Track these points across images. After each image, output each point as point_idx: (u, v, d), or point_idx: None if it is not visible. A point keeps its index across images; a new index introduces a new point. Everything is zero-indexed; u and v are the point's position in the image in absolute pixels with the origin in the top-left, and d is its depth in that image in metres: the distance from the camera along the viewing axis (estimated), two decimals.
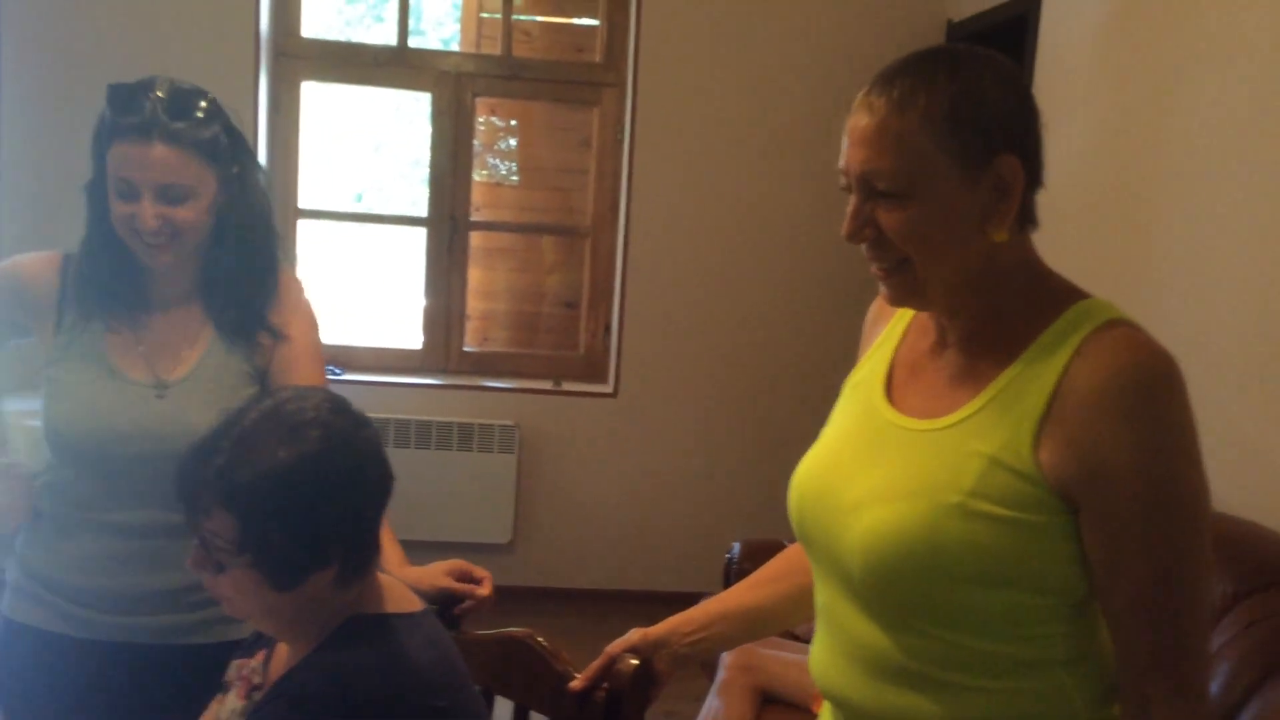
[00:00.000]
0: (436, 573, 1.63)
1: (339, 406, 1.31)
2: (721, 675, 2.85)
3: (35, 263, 1.72)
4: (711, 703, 2.93)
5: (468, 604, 1.64)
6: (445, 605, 1.64)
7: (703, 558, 4.32)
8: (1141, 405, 1.12)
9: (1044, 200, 1.23)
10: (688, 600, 3.70)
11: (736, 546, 3.66)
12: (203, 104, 1.62)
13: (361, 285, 4.79)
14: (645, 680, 1.44)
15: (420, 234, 4.61)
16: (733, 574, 3.60)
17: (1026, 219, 1.22)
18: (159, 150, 1.57)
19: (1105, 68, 3.33)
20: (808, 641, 1.48)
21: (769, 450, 4.72)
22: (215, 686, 1.39)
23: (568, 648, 4.37)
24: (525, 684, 1.53)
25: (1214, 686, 2.05)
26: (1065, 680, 1.19)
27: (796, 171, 4.53)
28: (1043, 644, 1.19)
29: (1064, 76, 3.51)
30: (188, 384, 1.67)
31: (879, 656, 1.23)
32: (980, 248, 1.19)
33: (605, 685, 1.44)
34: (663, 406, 4.64)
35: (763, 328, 4.68)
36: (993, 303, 1.23)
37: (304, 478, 1.23)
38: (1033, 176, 1.19)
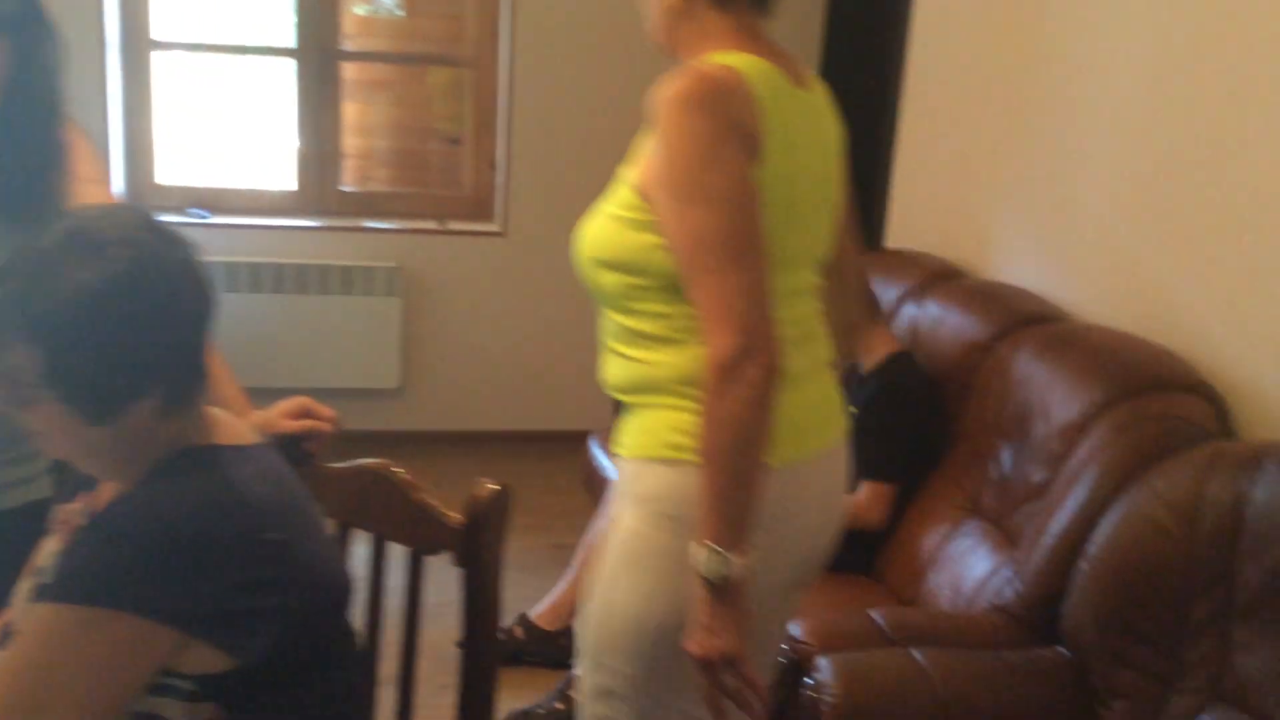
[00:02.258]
0: (274, 415, 1.54)
1: (149, 223, 1.19)
2: (585, 556, 2.86)
3: None
4: (600, 527, 2.94)
5: (311, 442, 1.56)
6: (293, 444, 1.56)
7: (595, 396, 4.29)
8: (666, 117, 1.42)
9: None
10: (579, 439, 3.71)
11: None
12: None
13: (230, 123, 4.52)
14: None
15: (290, 66, 4.35)
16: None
17: None
18: None
19: None
20: None
21: None
22: (21, 554, 1.31)
23: (459, 486, 4.29)
24: (383, 515, 1.47)
25: (1082, 491, 2.10)
26: (670, 356, 1.50)
27: None
28: (652, 320, 1.50)
29: None
30: None
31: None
32: None
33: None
34: (552, 244, 4.52)
35: None
36: None
37: (111, 301, 1.12)
38: None
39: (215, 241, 4.24)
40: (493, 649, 1.39)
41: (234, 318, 4.24)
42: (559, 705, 2.71)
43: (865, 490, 2.68)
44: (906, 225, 3.73)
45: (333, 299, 4.30)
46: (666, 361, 1.50)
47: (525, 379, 4.64)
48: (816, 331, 1.64)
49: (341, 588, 1.29)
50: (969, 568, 2.41)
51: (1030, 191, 2.99)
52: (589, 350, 4.76)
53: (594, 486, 3.32)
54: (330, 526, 1.52)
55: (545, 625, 2.97)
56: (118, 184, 4.23)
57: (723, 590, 1.40)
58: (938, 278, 3.13)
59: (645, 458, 1.55)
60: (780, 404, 1.41)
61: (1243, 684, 1.76)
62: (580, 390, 4.58)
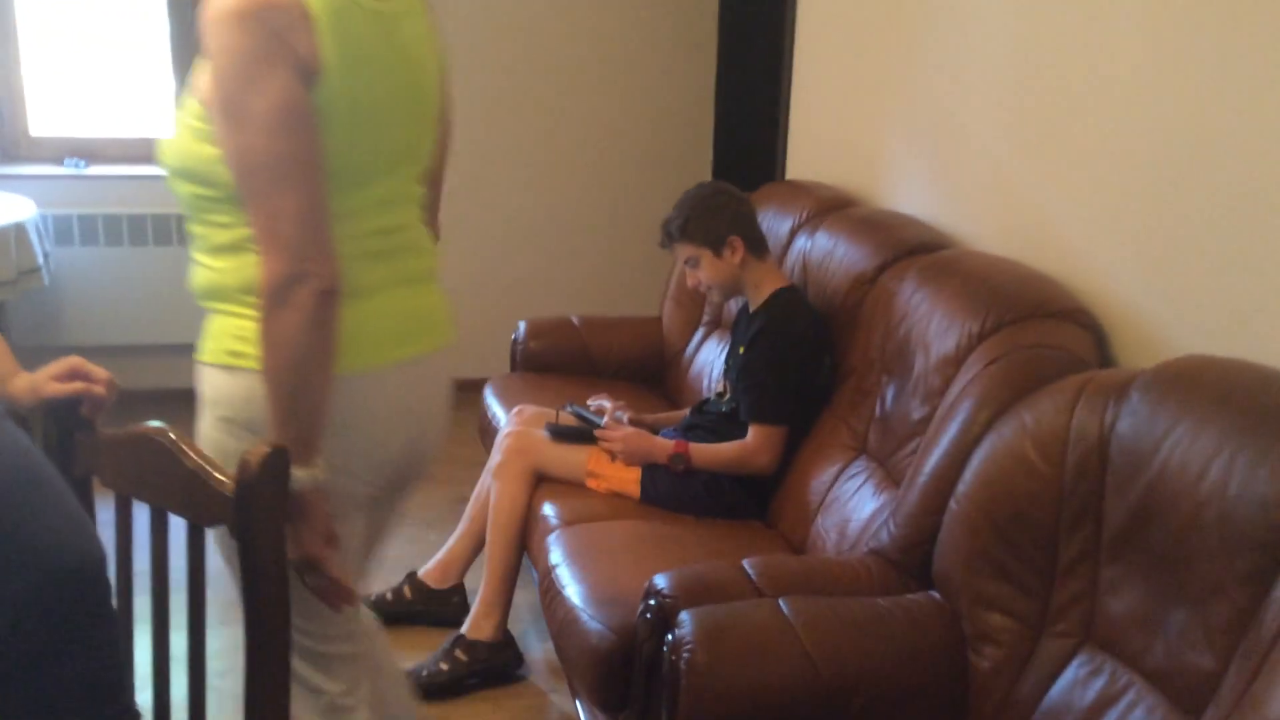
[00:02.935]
0: (42, 379, 1.41)
1: None
2: (497, 458, 2.73)
3: None
4: (486, 482, 2.82)
5: (85, 406, 1.43)
6: (68, 408, 1.42)
7: (496, 342, 4.16)
8: (210, 34, 1.39)
9: None
10: (477, 386, 3.58)
11: (522, 326, 3.51)
12: None
13: (105, 67, 4.28)
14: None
15: (161, 6, 4.12)
16: (519, 354, 3.46)
17: None
18: None
19: None
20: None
21: (558, 229, 4.53)
22: None
23: None
24: (160, 485, 1.34)
25: (955, 426, 2.00)
26: (233, 264, 1.52)
27: None
28: (220, 229, 1.52)
29: None
30: None
31: None
32: None
33: None
34: (447, 185, 4.36)
35: (552, 92, 4.40)
36: None
37: None
38: None
39: (93, 193, 4.04)
40: (276, 633, 1.27)
41: (115, 273, 4.06)
42: (443, 665, 2.61)
43: (753, 434, 2.58)
44: (804, 157, 3.61)
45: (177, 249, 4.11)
46: (231, 269, 1.53)
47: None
48: (411, 243, 1.66)
49: (87, 568, 1.15)
50: (855, 510, 2.32)
51: (919, 118, 2.88)
52: (489, 293, 4.67)
53: (488, 437, 3.20)
54: (110, 499, 1.39)
55: (434, 583, 2.87)
56: None
57: (293, 498, 1.41)
58: (829, 208, 3.01)
59: (212, 363, 1.60)
60: (351, 316, 1.48)
61: (1112, 626, 1.69)
62: (482, 336, 4.44)
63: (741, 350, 2.67)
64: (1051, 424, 1.79)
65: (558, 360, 3.44)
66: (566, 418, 2.78)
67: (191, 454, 1.30)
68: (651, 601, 1.96)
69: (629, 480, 2.64)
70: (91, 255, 4.02)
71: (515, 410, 2.96)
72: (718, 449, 2.61)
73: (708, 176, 4.52)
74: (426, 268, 1.71)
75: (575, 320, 3.52)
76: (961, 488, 1.90)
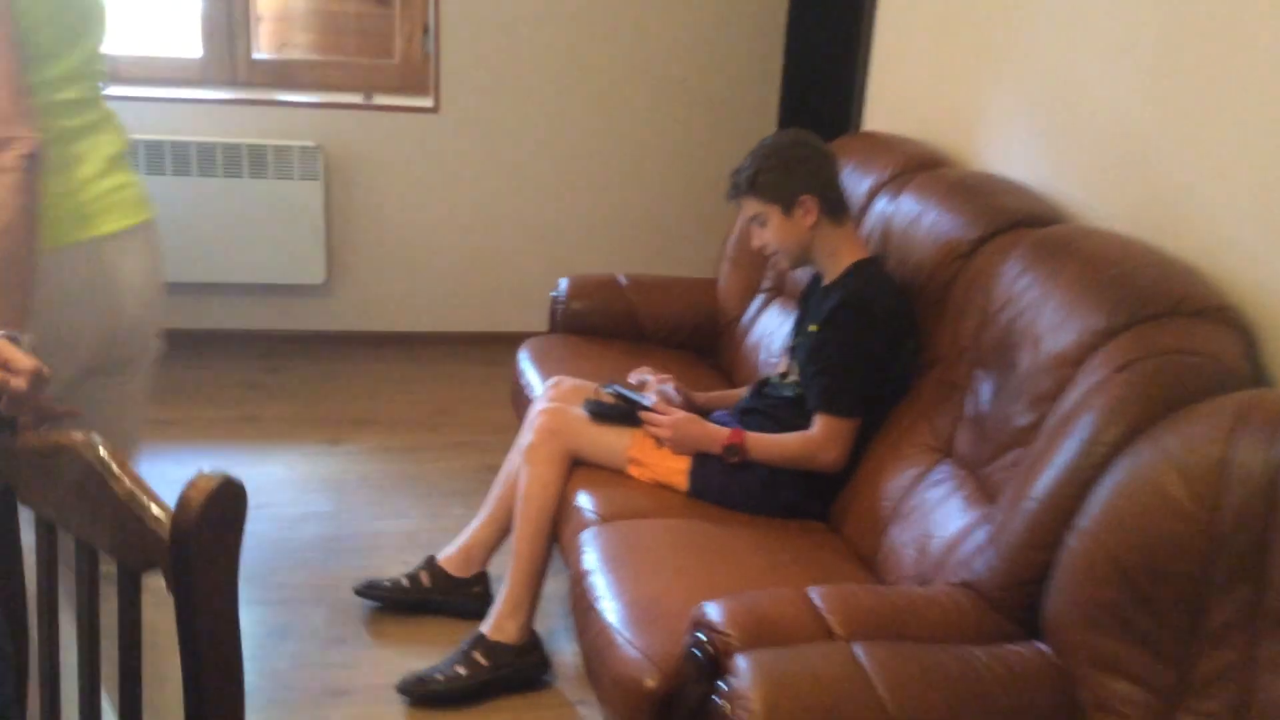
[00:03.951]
0: None
1: None
2: (528, 438, 2.43)
3: None
4: (515, 462, 2.53)
5: (3, 400, 1.13)
6: None
7: (539, 295, 3.86)
8: None
9: None
10: (516, 340, 3.28)
11: (564, 284, 3.19)
12: None
13: None
14: None
15: None
16: (559, 313, 3.14)
17: None
18: None
19: None
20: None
21: (608, 178, 4.19)
22: None
23: (389, 396, 3.85)
24: (86, 514, 1.04)
25: (1074, 444, 1.67)
26: None
27: None
28: None
29: None
30: None
31: None
32: None
33: None
34: (491, 124, 4.03)
35: (608, 27, 4.03)
36: None
37: None
38: None
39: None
40: (223, 702, 0.97)
41: None
42: (460, 669, 2.33)
43: (820, 425, 2.26)
44: (886, 107, 3.23)
45: (243, 182, 3.82)
46: None
47: (462, 275, 4.18)
48: (99, 120, 1.69)
49: None
50: (939, 524, 2.00)
51: (1030, 66, 2.50)
52: (533, 243, 4.34)
53: (520, 404, 2.90)
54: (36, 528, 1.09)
55: (454, 571, 2.58)
56: None
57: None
58: (917, 167, 2.66)
59: None
60: (49, 191, 1.52)
61: (1271, 712, 1.36)
62: (524, 288, 4.14)
63: (813, 329, 2.34)
64: (1204, 455, 1.46)
65: (601, 323, 3.12)
66: (608, 396, 2.47)
67: (125, 478, 1.00)
68: (701, 635, 1.65)
69: (676, 470, 2.33)
70: None
71: (551, 383, 2.65)
72: (778, 440, 2.29)
73: (772, 125, 4.14)
74: (118, 144, 1.72)
75: (622, 279, 3.19)
76: (1083, 522, 1.58)
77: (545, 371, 2.85)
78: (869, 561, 2.15)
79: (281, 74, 4.00)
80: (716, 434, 2.32)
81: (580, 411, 2.43)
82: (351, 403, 3.71)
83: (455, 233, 4.12)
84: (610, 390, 2.48)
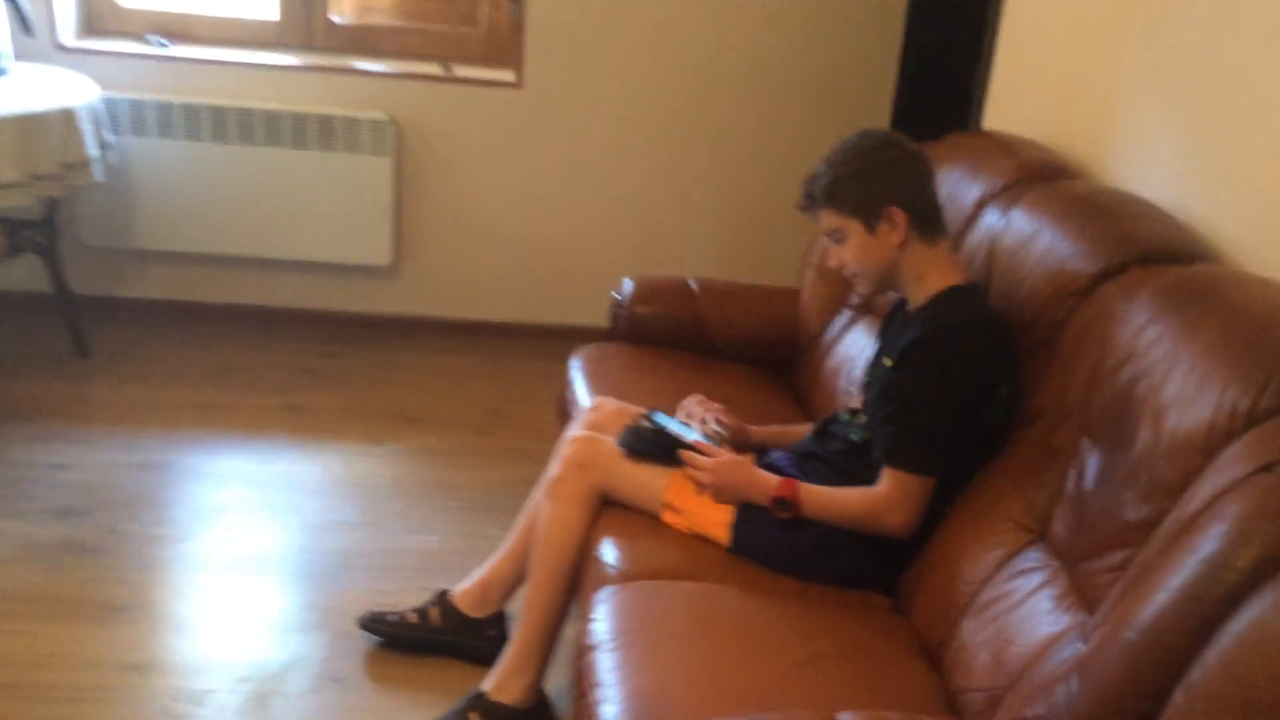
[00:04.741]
0: None
1: None
2: (554, 469, 2.12)
3: None
4: (537, 500, 2.22)
5: None
6: None
7: (606, 289, 3.56)
8: None
9: None
10: (586, 337, 2.97)
11: (628, 285, 2.86)
12: None
13: None
14: None
15: None
16: (620, 317, 2.83)
17: None
18: None
19: None
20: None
21: (694, 169, 3.84)
22: None
23: (444, 390, 3.54)
24: None
25: (1198, 562, 1.28)
26: None
27: None
28: None
29: None
30: None
31: None
32: None
33: None
34: (575, 103, 3.72)
35: (708, 6, 3.67)
36: None
37: None
38: None
39: (175, 78, 3.56)
40: None
41: (191, 171, 3.59)
42: (471, 717, 2.05)
43: (890, 481, 1.89)
44: (1010, 102, 2.81)
45: (310, 155, 3.60)
46: None
47: (533, 263, 3.89)
48: None
49: None
50: (1019, 627, 1.62)
51: (1180, 68, 2.07)
52: (609, 234, 3.98)
53: (565, 416, 2.60)
54: None
55: (469, 609, 2.31)
56: (70, 4, 3.56)
57: None
58: (1036, 176, 2.25)
59: None
60: None
61: None
62: (598, 281, 3.82)
63: (889, 363, 1.97)
64: None
65: (666, 331, 2.79)
66: (649, 425, 2.14)
67: None
68: None
69: (717, 521, 2.00)
70: (167, 149, 3.55)
71: (593, 404, 2.34)
72: (838, 496, 1.94)
73: (884, 120, 3.72)
74: None
75: (693, 284, 2.85)
76: (1198, 673, 1.20)
77: (595, 385, 2.54)
78: (935, 656, 1.78)
79: (359, 40, 3.76)
80: (765, 482, 1.97)
81: (615, 444, 2.11)
82: (403, 396, 3.46)
83: (529, 218, 3.84)
84: (652, 419, 2.16)
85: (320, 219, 3.67)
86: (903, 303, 2.07)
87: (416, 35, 3.77)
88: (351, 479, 2.99)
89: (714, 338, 2.79)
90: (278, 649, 2.32)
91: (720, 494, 1.99)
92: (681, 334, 2.79)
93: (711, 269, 3.18)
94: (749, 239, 3.90)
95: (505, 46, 3.73)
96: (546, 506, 2.10)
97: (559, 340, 3.79)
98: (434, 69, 3.69)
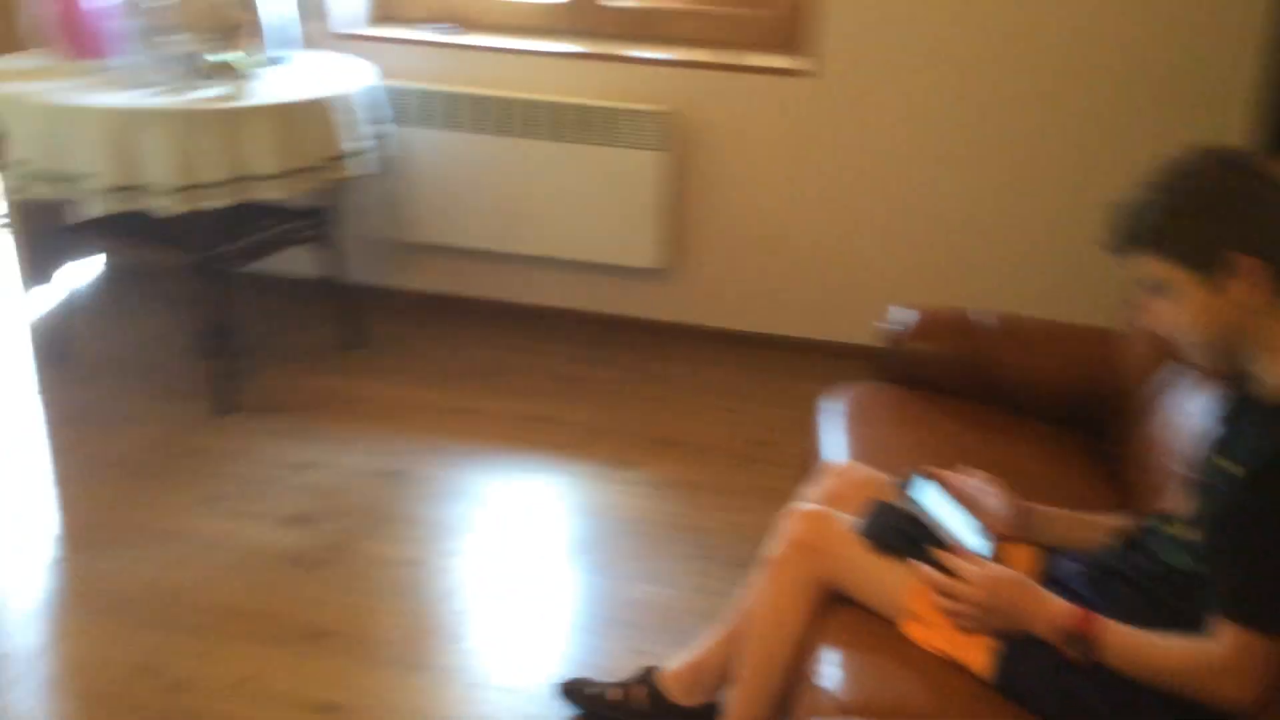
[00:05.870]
0: None
1: None
2: (777, 549, 1.74)
3: None
4: (754, 582, 1.84)
5: None
6: None
7: (862, 308, 3.13)
8: None
9: None
10: (831, 354, 2.54)
11: (904, 315, 2.41)
12: None
13: None
14: None
15: None
16: (892, 355, 2.40)
17: None
18: None
19: None
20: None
21: (1006, 183, 3.29)
22: None
23: (707, 411, 3.15)
24: None
25: None
26: None
27: None
28: None
29: None
30: None
31: None
32: None
33: None
34: (883, 98, 3.27)
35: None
36: None
37: None
38: None
39: (454, 66, 3.44)
40: None
41: (465, 164, 3.46)
42: None
43: (1225, 635, 1.37)
44: None
45: (579, 149, 3.36)
46: None
47: (823, 274, 3.48)
48: None
49: None
50: None
51: None
52: (910, 246, 3.38)
53: (808, 469, 2.19)
54: None
55: (678, 695, 1.98)
56: None
57: None
58: None
59: None
60: None
61: None
62: (887, 299, 3.36)
63: (1235, 470, 1.43)
64: None
65: (947, 375, 2.32)
66: (900, 509, 1.71)
67: None
68: None
69: (978, 644, 1.55)
70: (445, 140, 3.43)
71: (835, 468, 1.93)
72: (1155, 645, 1.43)
73: (1235, 131, 3.01)
74: None
75: (986, 320, 2.36)
76: None
77: (851, 438, 2.13)
78: None
79: (642, 24, 3.48)
80: (1052, 610, 1.50)
81: (854, 527, 1.70)
82: (661, 414, 3.17)
83: (816, 225, 3.43)
84: (908, 496, 1.72)
85: (593, 216, 3.44)
86: (1250, 388, 1.51)
87: (698, 18, 3.44)
88: (590, 508, 2.74)
89: (1007, 387, 2.29)
90: (459, 702, 2.09)
91: (987, 617, 1.54)
92: (966, 380, 2.31)
93: (1010, 304, 2.65)
94: (1061, 270, 3.30)
95: (798, 30, 3.34)
96: (761, 593, 1.72)
97: (845, 361, 3.38)
98: (720, 56, 3.35)
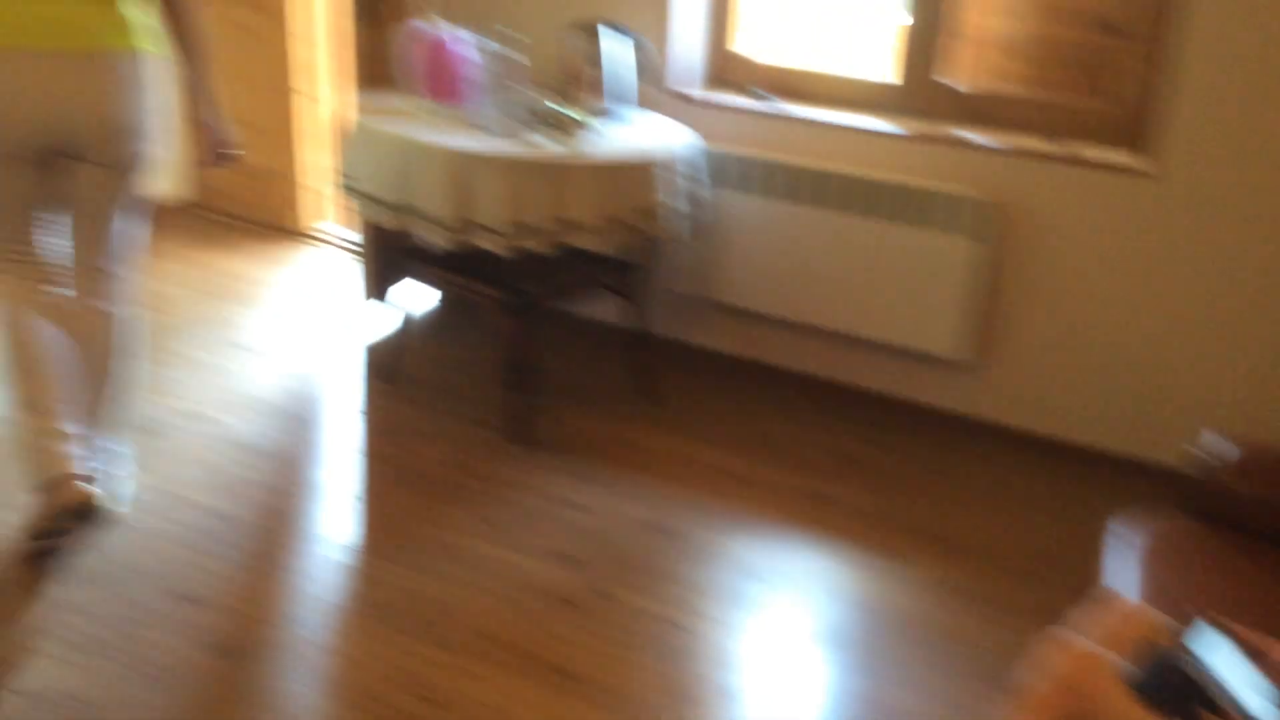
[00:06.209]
0: None
1: None
2: (1039, 684, 1.62)
3: None
4: (1007, 714, 1.72)
5: None
6: None
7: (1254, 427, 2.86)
8: None
9: None
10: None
11: (1223, 447, 2.21)
12: None
13: None
14: None
15: None
16: (1204, 489, 2.19)
17: None
18: None
19: None
20: None
21: None
22: None
23: (990, 515, 3.05)
24: None
25: None
26: None
27: None
28: None
29: None
30: None
31: None
32: None
33: None
34: (1225, 207, 3.03)
35: None
36: None
37: None
38: None
39: (778, 136, 3.49)
40: None
41: (778, 232, 3.49)
42: None
43: None
44: None
45: (897, 229, 3.31)
46: None
47: (1147, 386, 3.23)
48: None
49: None
50: None
51: None
52: (1238, 365, 3.12)
53: (1088, 599, 2.02)
54: None
55: None
56: (696, 45, 3.63)
57: None
58: None
59: None
60: None
61: None
62: (1210, 417, 3.09)
63: None
64: None
65: (1270, 520, 2.09)
66: (1181, 662, 1.54)
67: None
68: None
69: None
70: (761, 207, 3.47)
71: (1126, 608, 1.77)
72: None
73: None
74: None
75: None
76: None
77: (1145, 576, 1.96)
78: None
79: (971, 107, 3.39)
80: None
81: (1123, 672, 1.55)
82: (941, 511, 3.05)
83: (1144, 333, 3.19)
84: (1190, 651, 1.56)
85: (899, 298, 3.37)
86: None
87: (1042, 108, 3.31)
88: (857, 597, 2.66)
89: None
90: None
91: None
92: None
93: None
94: None
95: (1141, 125, 3.14)
96: None
97: (1143, 479, 3.14)
98: (1053, 146, 3.20)
